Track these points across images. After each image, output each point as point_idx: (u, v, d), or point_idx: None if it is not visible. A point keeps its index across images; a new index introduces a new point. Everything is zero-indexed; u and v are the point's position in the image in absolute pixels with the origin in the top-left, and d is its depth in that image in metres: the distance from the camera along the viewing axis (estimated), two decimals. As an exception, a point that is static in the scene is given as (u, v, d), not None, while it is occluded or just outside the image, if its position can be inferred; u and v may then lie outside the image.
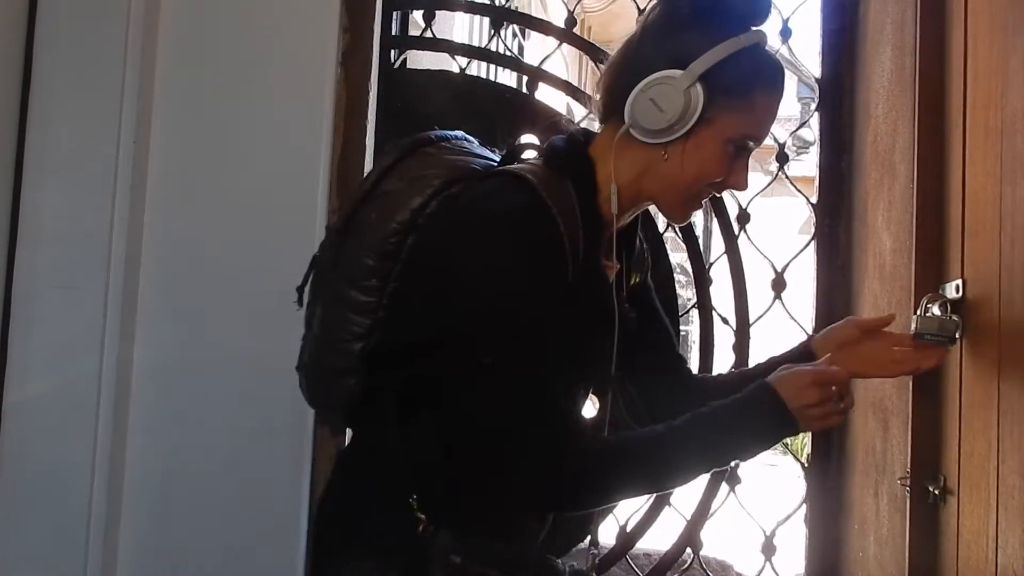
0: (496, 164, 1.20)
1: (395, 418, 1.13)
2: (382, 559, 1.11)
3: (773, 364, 1.30)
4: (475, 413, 1.06)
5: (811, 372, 1.10)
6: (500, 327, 1.05)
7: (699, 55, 1.08)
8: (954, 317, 1.31)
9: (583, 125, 1.30)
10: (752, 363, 1.88)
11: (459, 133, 1.26)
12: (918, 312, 1.33)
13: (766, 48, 1.13)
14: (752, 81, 1.10)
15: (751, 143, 1.12)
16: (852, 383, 1.14)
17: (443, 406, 1.09)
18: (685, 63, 1.09)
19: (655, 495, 1.95)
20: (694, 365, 2.29)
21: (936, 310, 1.32)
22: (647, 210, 1.28)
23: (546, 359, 1.06)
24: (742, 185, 1.15)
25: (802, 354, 1.30)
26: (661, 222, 2.16)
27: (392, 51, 2.18)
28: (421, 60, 2.50)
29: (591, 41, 2.34)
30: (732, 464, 1.20)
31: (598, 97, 1.19)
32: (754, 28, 1.12)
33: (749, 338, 2.10)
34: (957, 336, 1.31)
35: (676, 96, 1.08)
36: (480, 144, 1.28)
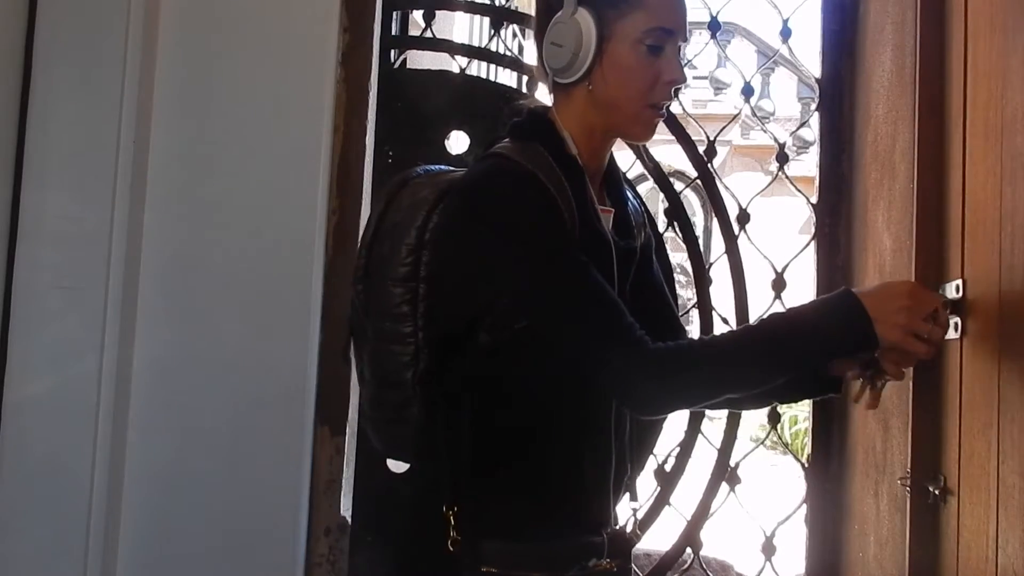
0: None
1: (454, 423, 1.15)
2: None
3: None
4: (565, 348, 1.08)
5: (906, 282, 1.12)
6: (537, 277, 1.09)
7: None
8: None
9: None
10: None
11: (444, 167, 1.31)
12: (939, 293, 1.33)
13: None
14: None
15: (663, 35, 1.13)
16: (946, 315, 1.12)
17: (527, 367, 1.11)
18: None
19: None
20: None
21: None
22: (641, 200, 1.30)
23: (592, 285, 1.08)
24: (678, 78, 1.14)
25: None
26: (661, 222, 2.17)
27: (392, 51, 2.18)
28: (421, 60, 2.50)
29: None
30: (808, 370, 1.17)
31: (538, 70, 1.24)
32: None
33: (749, 338, 2.10)
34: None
35: (567, 29, 1.14)
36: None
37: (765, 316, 1.14)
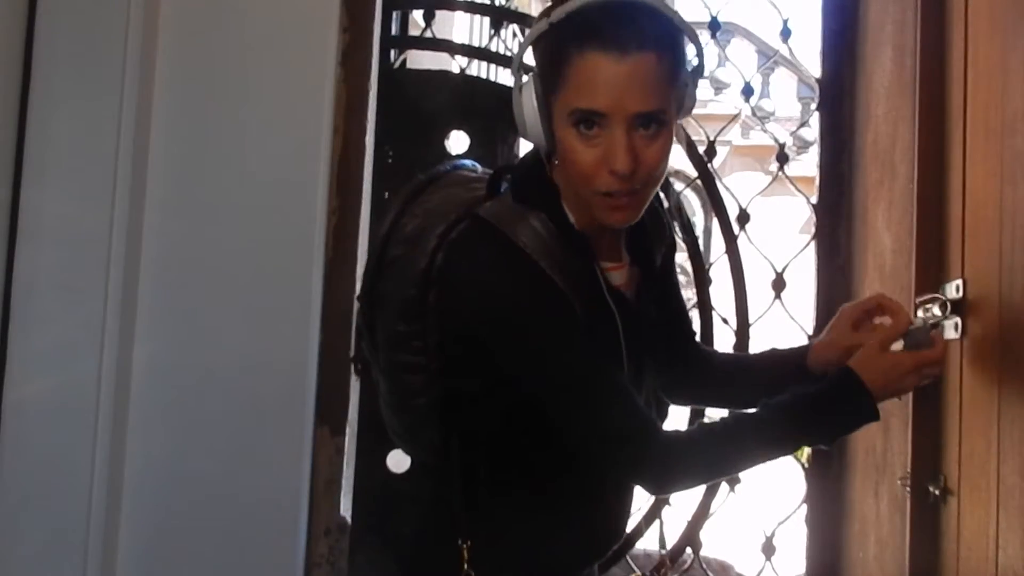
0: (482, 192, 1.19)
1: (467, 450, 1.15)
2: None
3: (775, 357, 1.32)
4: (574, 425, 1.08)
5: (912, 359, 1.12)
6: (550, 377, 1.07)
7: (521, 57, 1.10)
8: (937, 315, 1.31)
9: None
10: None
11: (467, 169, 1.25)
12: (917, 313, 1.33)
13: (575, 17, 1.02)
14: (558, 54, 1.03)
15: (586, 115, 1.02)
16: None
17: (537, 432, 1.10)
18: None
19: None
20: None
21: (936, 310, 1.32)
22: (670, 212, 1.29)
23: (604, 377, 1.07)
24: (616, 165, 1.01)
25: (798, 350, 1.29)
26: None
27: (392, 51, 2.18)
28: (421, 60, 2.50)
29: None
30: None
31: None
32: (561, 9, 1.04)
33: (749, 338, 2.10)
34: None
35: (518, 101, 1.09)
36: (460, 161, 1.28)
37: (771, 402, 1.11)
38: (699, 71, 1.12)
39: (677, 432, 1.10)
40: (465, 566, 1.11)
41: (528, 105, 1.07)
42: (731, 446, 1.10)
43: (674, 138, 1.08)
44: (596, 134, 1.02)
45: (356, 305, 1.48)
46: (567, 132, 1.04)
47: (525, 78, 1.09)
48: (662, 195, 1.22)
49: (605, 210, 1.06)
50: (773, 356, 1.34)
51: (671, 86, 1.04)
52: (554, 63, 1.04)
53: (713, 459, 1.10)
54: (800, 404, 1.10)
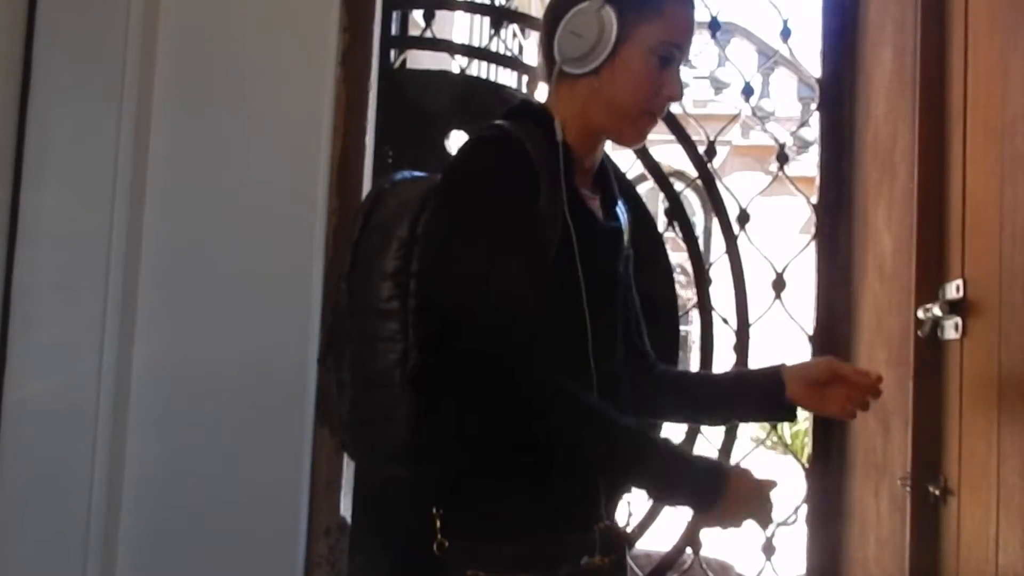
0: None
1: (440, 423, 1.15)
2: None
3: (741, 376, 1.39)
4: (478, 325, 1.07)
5: (768, 487, 1.12)
6: (489, 263, 1.08)
7: None
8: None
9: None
10: (752, 364, 1.88)
11: (426, 174, 1.30)
12: (940, 296, 1.35)
13: None
14: None
15: (674, 51, 1.18)
16: None
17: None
18: None
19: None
20: (694, 365, 2.30)
21: (936, 309, 1.33)
22: (643, 204, 1.32)
23: (530, 290, 1.08)
24: (677, 94, 1.19)
25: (769, 376, 1.30)
26: (661, 222, 2.17)
27: (392, 51, 2.18)
28: (421, 60, 2.50)
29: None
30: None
31: (540, 60, 1.26)
32: None
33: (749, 338, 2.10)
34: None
35: (591, 21, 1.16)
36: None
37: (655, 437, 1.15)
38: None
39: (569, 385, 1.09)
40: (439, 535, 1.11)
41: (604, 24, 1.16)
42: (603, 444, 1.11)
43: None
44: (669, 67, 1.18)
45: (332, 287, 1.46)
46: (647, 59, 1.17)
47: (600, 2, 1.17)
48: (656, 194, 1.26)
49: (640, 128, 1.22)
50: (738, 378, 1.38)
51: None
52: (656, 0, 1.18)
53: (579, 439, 1.10)
54: (671, 464, 1.12)
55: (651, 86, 1.18)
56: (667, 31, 1.18)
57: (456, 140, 2.18)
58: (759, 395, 1.31)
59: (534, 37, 1.26)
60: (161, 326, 1.86)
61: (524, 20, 2.54)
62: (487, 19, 2.31)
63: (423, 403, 1.16)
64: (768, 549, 2.09)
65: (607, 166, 1.29)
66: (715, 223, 2.26)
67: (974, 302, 1.33)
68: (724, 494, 1.09)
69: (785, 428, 7.79)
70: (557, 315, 1.13)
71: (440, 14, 2.30)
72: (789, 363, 1.31)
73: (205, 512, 1.83)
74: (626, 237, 1.30)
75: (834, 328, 2.04)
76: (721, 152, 3.43)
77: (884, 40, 1.92)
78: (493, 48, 2.41)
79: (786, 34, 2.21)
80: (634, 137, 1.23)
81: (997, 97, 1.27)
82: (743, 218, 2.15)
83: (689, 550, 2.09)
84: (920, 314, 1.44)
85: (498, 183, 1.12)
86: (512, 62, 2.36)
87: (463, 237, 1.11)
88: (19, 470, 1.77)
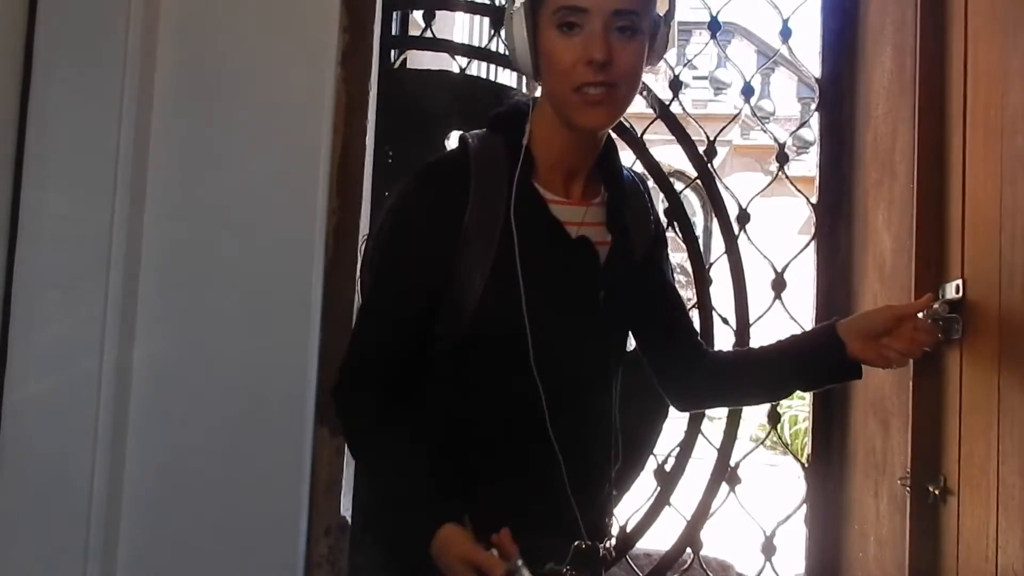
0: None
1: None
2: None
3: (797, 344, 1.30)
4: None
5: (472, 552, 1.04)
6: (379, 258, 1.20)
7: None
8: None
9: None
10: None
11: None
12: (940, 296, 1.34)
13: None
14: None
15: (570, 13, 1.10)
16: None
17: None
18: None
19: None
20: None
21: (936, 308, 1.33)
22: (651, 203, 1.30)
23: (396, 310, 1.16)
24: (594, 55, 1.09)
25: (825, 337, 1.26)
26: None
27: (392, 51, 2.18)
28: (421, 60, 2.50)
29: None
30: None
31: None
32: None
33: (749, 338, 2.10)
34: (954, 336, 1.32)
35: (509, 27, 1.16)
36: None
37: (406, 483, 1.12)
38: (671, 14, 1.19)
39: (382, 413, 1.15)
40: None
41: (518, 26, 1.13)
42: (373, 470, 1.18)
43: (647, 58, 1.15)
44: (576, 33, 1.10)
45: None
46: (550, 35, 1.12)
47: (517, 4, 1.14)
48: (656, 194, 1.25)
49: (582, 108, 1.12)
50: (795, 344, 1.31)
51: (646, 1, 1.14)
52: None
53: (363, 458, 1.19)
54: (388, 509, 1.16)
55: (563, 61, 1.11)
56: None
57: (456, 140, 2.18)
58: (821, 360, 1.25)
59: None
60: (161, 326, 1.86)
61: (524, 20, 2.54)
62: (487, 19, 2.30)
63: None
64: (768, 549, 2.09)
65: (615, 168, 1.24)
66: (715, 223, 2.26)
67: (974, 302, 1.33)
68: (420, 559, 1.07)
69: (785, 428, 7.79)
70: (495, 327, 1.14)
71: (440, 14, 2.30)
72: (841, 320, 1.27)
73: (205, 512, 1.83)
74: (642, 243, 1.26)
75: (834, 328, 2.04)
76: (721, 152, 3.43)
77: (884, 40, 1.92)
78: (493, 48, 2.41)
79: (786, 34, 2.21)
80: (583, 120, 1.14)
81: (997, 97, 1.27)
82: (743, 218, 2.15)
83: (689, 550, 2.09)
84: (920, 314, 1.43)
85: (407, 224, 1.17)
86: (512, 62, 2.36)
87: (373, 270, 1.21)
88: (19, 470, 1.77)
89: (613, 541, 1.27)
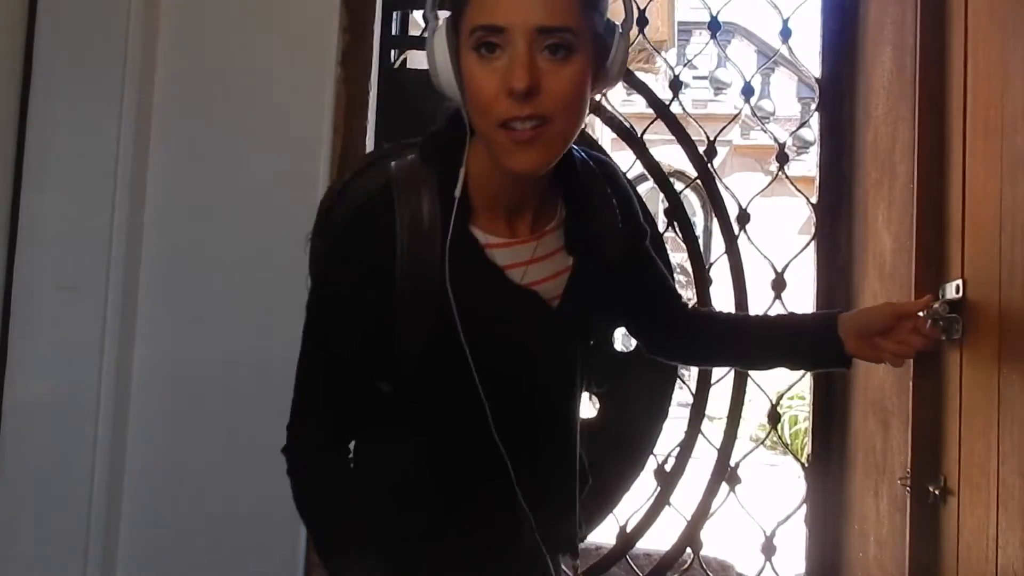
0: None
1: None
2: None
3: (795, 324, 1.28)
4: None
5: None
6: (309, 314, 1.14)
7: None
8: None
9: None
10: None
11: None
12: (940, 296, 1.34)
13: None
14: None
15: (487, 33, 0.92)
16: None
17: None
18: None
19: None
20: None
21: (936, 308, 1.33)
22: (645, 208, 1.28)
23: (332, 370, 1.13)
24: (514, 78, 0.90)
25: (823, 324, 1.23)
26: (661, 222, 2.17)
27: (392, 51, 2.18)
28: (421, 60, 2.49)
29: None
30: None
31: None
32: None
33: (749, 338, 2.10)
34: (954, 336, 1.32)
35: (430, 45, 0.99)
36: None
37: (360, 549, 1.16)
38: (628, 23, 1.01)
39: (328, 474, 1.18)
40: None
41: (439, 44, 0.96)
42: (320, 522, 1.20)
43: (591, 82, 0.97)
44: (497, 56, 0.92)
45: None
46: (469, 60, 0.94)
47: (441, 20, 0.98)
48: (662, 195, 1.21)
49: (509, 148, 0.94)
50: (792, 322, 1.30)
51: (584, 11, 0.94)
52: None
53: (312, 513, 1.20)
54: (341, 546, 1.18)
55: (484, 91, 0.92)
56: (475, 14, 0.93)
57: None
58: (817, 347, 1.22)
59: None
60: (161, 326, 1.86)
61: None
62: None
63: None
64: (768, 549, 2.09)
65: (571, 181, 1.09)
66: (715, 223, 2.26)
67: (974, 302, 1.33)
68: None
69: (785, 428, 7.79)
70: (438, 379, 1.08)
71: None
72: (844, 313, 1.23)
73: (205, 512, 1.84)
74: (612, 246, 1.14)
75: (834, 328, 2.04)
76: (721, 152, 3.43)
77: (884, 40, 1.92)
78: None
79: (786, 34, 2.21)
80: (510, 163, 0.95)
81: (997, 97, 1.27)
82: (743, 218, 2.15)
83: (689, 550, 2.09)
84: (920, 314, 1.43)
85: (331, 297, 1.09)
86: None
87: (305, 331, 1.16)
88: (19, 470, 1.77)
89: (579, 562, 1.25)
